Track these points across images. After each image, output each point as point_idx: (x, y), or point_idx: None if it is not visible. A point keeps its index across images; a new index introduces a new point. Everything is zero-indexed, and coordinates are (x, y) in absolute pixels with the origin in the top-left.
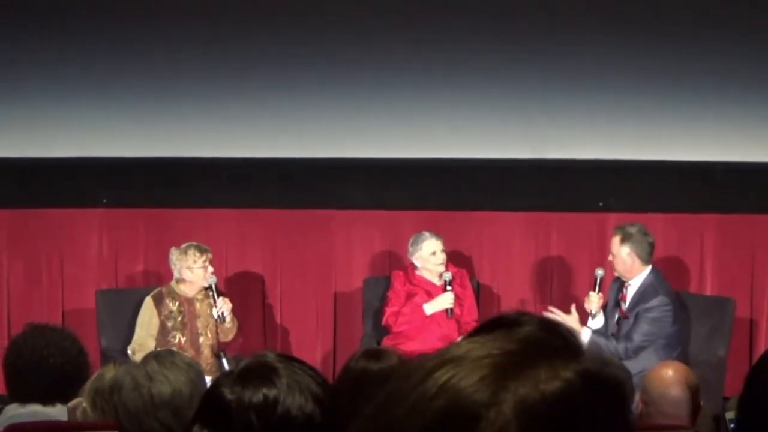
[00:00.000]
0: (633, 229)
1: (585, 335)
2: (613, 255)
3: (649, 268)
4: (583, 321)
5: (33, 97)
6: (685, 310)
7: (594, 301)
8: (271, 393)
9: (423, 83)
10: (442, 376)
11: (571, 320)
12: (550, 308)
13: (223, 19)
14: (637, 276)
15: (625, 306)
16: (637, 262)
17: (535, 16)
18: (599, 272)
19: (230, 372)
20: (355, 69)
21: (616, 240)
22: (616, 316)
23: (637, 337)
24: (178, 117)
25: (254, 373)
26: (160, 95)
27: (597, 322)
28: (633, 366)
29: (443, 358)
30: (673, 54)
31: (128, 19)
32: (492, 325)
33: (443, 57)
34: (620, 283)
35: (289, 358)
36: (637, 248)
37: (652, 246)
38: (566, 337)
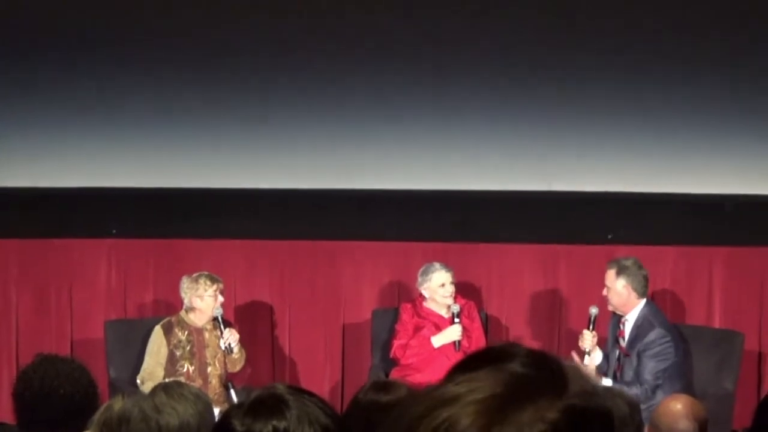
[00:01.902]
0: (628, 262)
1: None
2: (607, 288)
3: (644, 301)
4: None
5: (43, 127)
6: (685, 341)
7: (588, 339)
8: (281, 425)
9: (432, 116)
10: (430, 422)
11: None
12: (573, 354)
13: (233, 52)
14: (632, 310)
15: (623, 342)
16: (633, 295)
17: (546, 49)
18: (593, 310)
19: (240, 404)
20: (364, 101)
21: (611, 273)
22: (617, 353)
23: (649, 377)
24: (187, 148)
25: (264, 404)
26: (170, 127)
27: (595, 359)
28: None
29: (428, 405)
30: (682, 87)
31: (139, 52)
32: (479, 360)
33: (453, 90)
34: (617, 319)
35: (299, 390)
36: (633, 281)
37: (646, 279)
38: (553, 369)
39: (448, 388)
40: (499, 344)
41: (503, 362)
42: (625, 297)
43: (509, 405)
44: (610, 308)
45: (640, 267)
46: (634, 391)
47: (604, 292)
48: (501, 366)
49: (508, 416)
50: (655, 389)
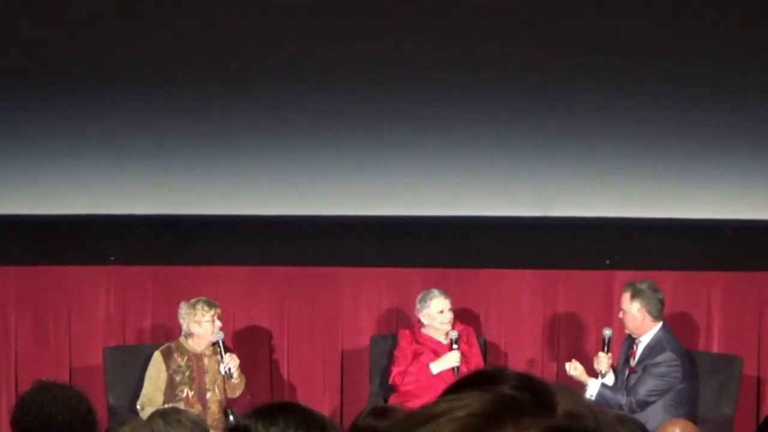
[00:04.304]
0: (643, 286)
1: (593, 387)
2: (623, 311)
3: (660, 324)
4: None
5: (40, 154)
6: (694, 368)
7: (603, 361)
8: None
9: (430, 141)
10: None
11: (579, 373)
12: (572, 363)
13: (231, 78)
14: (647, 332)
15: (633, 362)
16: (648, 318)
17: (543, 74)
18: (607, 332)
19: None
20: (362, 127)
21: (626, 296)
22: (626, 372)
23: (642, 391)
24: (185, 174)
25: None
26: (168, 153)
27: (607, 381)
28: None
29: (409, 423)
30: (680, 112)
31: (136, 78)
32: (468, 382)
33: (450, 115)
34: (631, 341)
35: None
36: (648, 304)
37: (662, 302)
38: (540, 392)
39: (432, 407)
40: (489, 368)
41: (491, 384)
42: (639, 320)
43: (489, 422)
44: (627, 331)
45: (656, 290)
46: (621, 399)
47: (620, 315)
48: (488, 387)
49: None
50: (643, 405)
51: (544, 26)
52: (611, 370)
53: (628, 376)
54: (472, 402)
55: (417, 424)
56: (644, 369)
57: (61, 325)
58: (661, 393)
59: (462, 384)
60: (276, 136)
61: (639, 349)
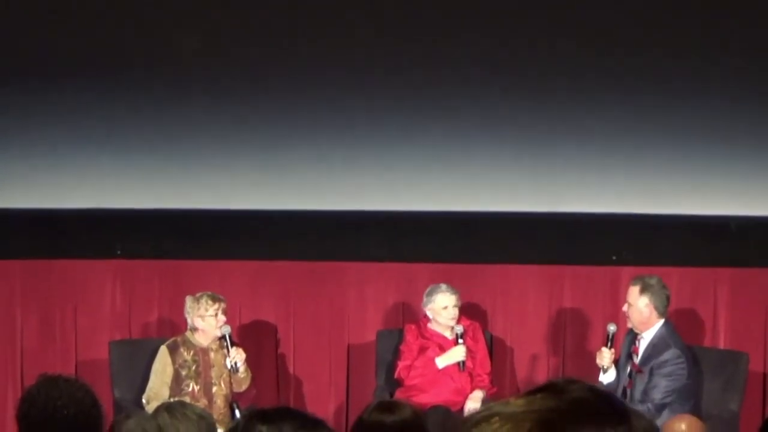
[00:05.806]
0: (653, 281)
1: None
2: (629, 305)
3: (663, 321)
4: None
5: (47, 148)
6: (697, 363)
7: (606, 356)
8: None
9: (437, 136)
10: (487, 428)
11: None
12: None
13: (237, 74)
14: (650, 328)
15: (637, 359)
16: (654, 314)
17: (549, 70)
18: (611, 328)
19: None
20: (370, 122)
21: (634, 290)
22: (629, 369)
23: (657, 395)
24: (192, 169)
25: None
26: (174, 147)
27: (609, 376)
28: None
29: (491, 411)
30: (687, 108)
31: (143, 72)
32: (538, 389)
33: (458, 110)
34: (633, 336)
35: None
36: (656, 300)
37: (668, 299)
38: (614, 402)
39: (504, 404)
40: (560, 379)
41: (563, 391)
42: (646, 315)
43: (570, 418)
44: (629, 325)
45: (664, 286)
46: (640, 408)
47: (625, 308)
48: (561, 392)
49: (569, 428)
50: (661, 408)
51: (551, 23)
52: (613, 367)
53: (632, 373)
54: (550, 401)
55: (489, 416)
56: (651, 372)
57: (67, 319)
58: (674, 392)
59: (530, 391)
60: (283, 131)
61: (642, 346)
